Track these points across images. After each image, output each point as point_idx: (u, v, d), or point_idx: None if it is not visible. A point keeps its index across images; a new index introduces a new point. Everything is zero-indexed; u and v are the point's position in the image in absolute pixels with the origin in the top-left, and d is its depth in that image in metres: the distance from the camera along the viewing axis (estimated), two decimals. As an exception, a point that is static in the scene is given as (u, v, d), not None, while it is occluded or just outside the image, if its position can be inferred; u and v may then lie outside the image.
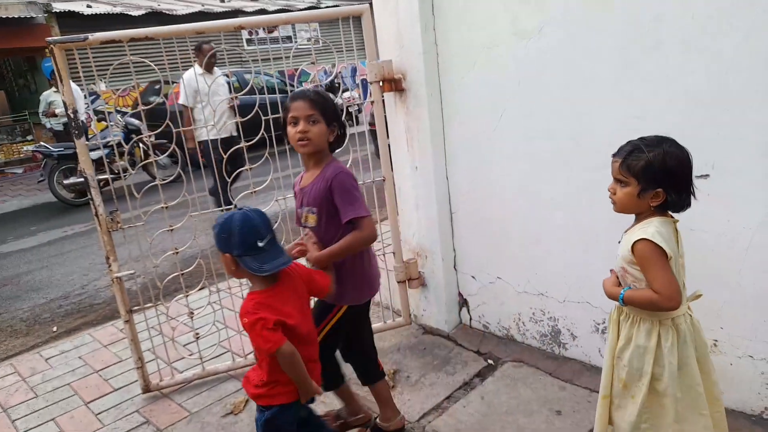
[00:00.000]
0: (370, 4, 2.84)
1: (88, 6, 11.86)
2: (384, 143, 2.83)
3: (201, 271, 2.81)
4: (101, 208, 2.56)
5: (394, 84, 2.81)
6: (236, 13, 13.24)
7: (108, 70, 2.55)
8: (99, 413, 2.72)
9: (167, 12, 12.29)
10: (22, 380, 3.12)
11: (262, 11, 13.66)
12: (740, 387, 2.18)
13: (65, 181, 7.98)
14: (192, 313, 2.79)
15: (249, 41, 13.23)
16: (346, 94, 11.90)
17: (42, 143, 8.46)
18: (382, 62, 2.77)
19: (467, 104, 2.74)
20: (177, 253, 2.71)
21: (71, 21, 11.19)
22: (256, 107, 2.59)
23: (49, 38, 2.39)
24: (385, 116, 2.89)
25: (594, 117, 2.30)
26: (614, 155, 1.61)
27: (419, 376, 2.72)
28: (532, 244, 2.67)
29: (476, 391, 2.58)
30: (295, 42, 13.65)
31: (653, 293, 1.54)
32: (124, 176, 2.77)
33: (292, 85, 11.40)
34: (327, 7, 14.01)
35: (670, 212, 1.62)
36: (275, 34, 13.19)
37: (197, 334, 2.82)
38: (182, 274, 2.73)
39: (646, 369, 1.63)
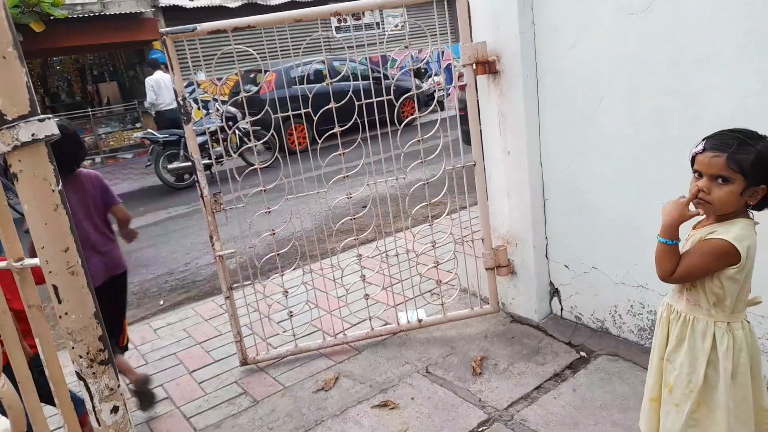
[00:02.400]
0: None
1: (191, 0, 12.54)
2: (476, 127, 2.79)
3: (295, 252, 2.91)
4: (206, 190, 2.72)
5: (488, 66, 2.75)
6: (326, 0, 13.49)
7: (206, 61, 2.67)
8: (201, 382, 2.91)
9: (261, 3, 12.74)
10: (135, 348, 3.40)
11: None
12: None
13: (169, 166, 8.55)
14: (287, 291, 2.91)
15: (338, 29, 13.45)
16: (433, 79, 11.85)
17: (149, 130, 9.09)
18: (476, 44, 2.71)
19: (565, 86, 2.63)
20: (274, 234, 2.83)
21: (176, 14, 11.90)
22: (350, 93, 2.63)
23: (162, 29, 2.55)
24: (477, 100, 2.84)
25: (707, 99, 2.13)
26: (708, 149, 1.43)
27: (507, 365, 2.69)
28: (632, 233, 2.54)
29: (568, 383, 2.51)
30: (382, 28, 13.70)
31: (674, 269, 1.48)
32: (225, 161, 2.93)
33: (379, 71, 11.51)
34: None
35: (750, 212, 1.49)
36: (362, 21, 13.31)
37: (291, 312, 2.94)
38: (278, 254, 2.85)
39: (699, 374, 1.51)
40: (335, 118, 2.72)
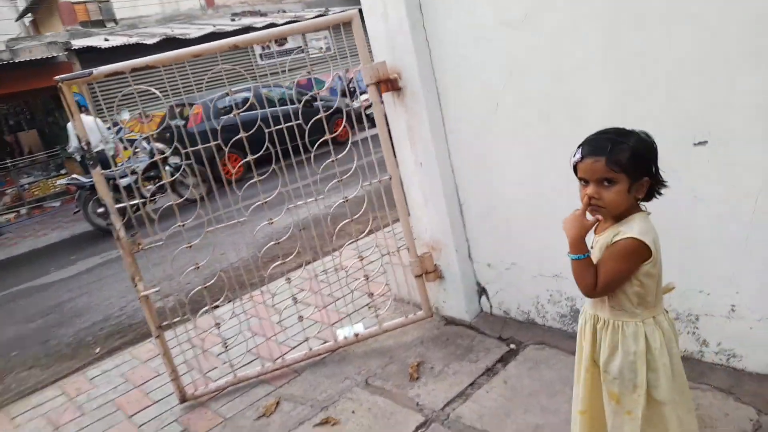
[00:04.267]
0: (360, 9, 2.90)
1: (105, 39, 12.28)
2: (386, 142, 2.89)
3: (225, 285, 2.92)
4: (122, 232, 2.70)
5: (390, 84, 2.87)
6: (247, 29, 13.48)
7: (130, 99, 2.67)
8: (141, 425, 2.85)
9: (180, 37, 12.62)
10: (70, 400, 3.29)
11: (272, 25, 13.88)
12: (765, 349, 2.16)
13: (99, 210, 8.30)
14: (218, 324, 2.91)
15: (261, 56, 13.46)
16: (363, 97, 12.02)
17: (74, 176, 8.81)
18: (376, 64, 2.83)
19: (464, 97, 2.78)
20: (198, 267, 2.83)
21: (91, 56, 11.61)
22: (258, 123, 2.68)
23: (57, 76, 2.53)
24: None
25: (587, 99, 2.32)
26: (586, 156, 1.46)
27: (443, 366, 2.78)
28: (541, 228, 2.69)
29: (499, 376, 2.62)
30: (307, 52, 13.83)
31: (594, 281, 1.48)
32: (152, 200, 2.93)
33: (305, 94, 11.59)
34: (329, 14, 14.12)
35: (641, 205, 1.53)
36: (286, 46, 13.39)
37: (226, 343, 2.94)
38: (205, 287, 2.85)
39: (641, 377, 1.50)
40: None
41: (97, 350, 4.18)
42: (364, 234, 3.17)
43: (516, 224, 2.80)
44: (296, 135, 2.89)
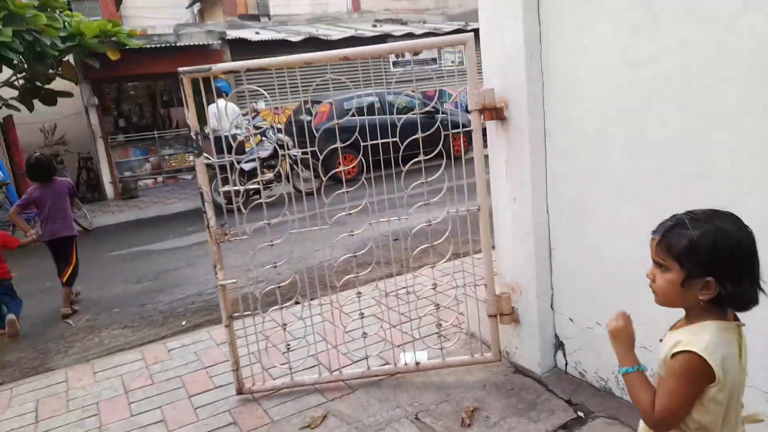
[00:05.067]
0: (477, 32, 2.80)
1: (257, 33, 13.17)
2: (481, 172, 2.76)
3: (311, 286, 2.94)
4: (212, 221, 2.82)
5: (495, 112, 2.73)
6: (386, 37, 13.81)
7: (268, 90, 2.79)
8: (197, 407, 2.97)
9: (323, 37, 13.19)
10: (146, 367, 3.52)
11: (410, 35, 14.08)
12: None
13: (220, 189, 8.89)
14: (285, 325, 2.95)
15: (395, 63, 13.71)
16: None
17: (205, 155, 9.51)
18: (483, 91, 2.71)
19: (573, 136, 2.57)
20: (275, 266, 2.88)
21: (241, 47, 12.51)
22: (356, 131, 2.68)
23: (181, 68, 2.70)
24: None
25: (713, 156, 2.03)
26: (654, 232, 1.29)
27: (499, 419, 2.58)
28: (637, 292, 2.40)
29: (558, 444, 2.39)
30: (439, 64, 13.87)
31: (652, 405, 1.25)
32: (268, 187, 3.06)
33: (429, 104, 11.62)
34: (470, 30, 14.04)
35: (732, 311, 1.27)
36: (420, 56, 13.52)
37: (288, 345, 2.97)
38: (279, 287, 2.90)
39: None
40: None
41: (184, 323, 4.45)
42: (442, 261, 3.04)
43: (608, 282, 2.53)
44: (409, 145, 2.83)
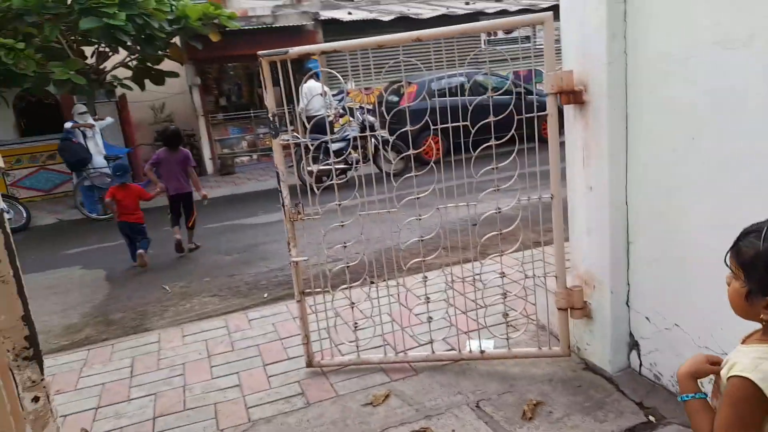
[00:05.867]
0: (556, 10, 2.66)
1: (349, 13, 13.33)
2: (555, 159, 2.64)
3: (364, 267, 3.00)
4: (287, 200, 2.94)
5: (573, 96, 2.60)
6: (477, 15, 13.46)
7: (356, 71, 2.87)
8: (270, 376, 3.13)
9: (413, 16, 13.10)
10: (228, 334, 3.75)
11: (504, 12, 13.63)
12: None
13: (308, 168, 9.19)
14: (353, 304, 3.02)
15: (487, 42, 13.35)
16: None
17: (295, 134, 9.86)
18: (561, 72, 2.58)
19: (658, 121, 2.39)
20: (345, 246, 2.96)
21: (333, 27, 12.73)
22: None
23: (260, 52, 2.80)
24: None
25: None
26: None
27: (563, 415, 2.51)
28: (722, 293, 2.22)
29: (623, 447, 2.28)
30: (534, 42, 13.32)
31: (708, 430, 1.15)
32: (359, 167, 3.16)
33: (525, 87, 11.23)
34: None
35: None
36: (513, 34, 13.08)
37: (356, 323, 3.04)
38: (348, 266, 2.97)
39: None
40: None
41: (265, 295, 4.69)
42: (511, 250, 2.97)
43: (689, 281, 2.36)
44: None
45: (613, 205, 2.60)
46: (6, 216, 0.85)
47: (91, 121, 9.31)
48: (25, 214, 8.74)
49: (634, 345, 2.73)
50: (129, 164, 11.18)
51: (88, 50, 10.07)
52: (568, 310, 2.80)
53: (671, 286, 2.47)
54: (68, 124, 8.96)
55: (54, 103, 11.68)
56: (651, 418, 2.43)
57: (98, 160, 9.08)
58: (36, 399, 0.93)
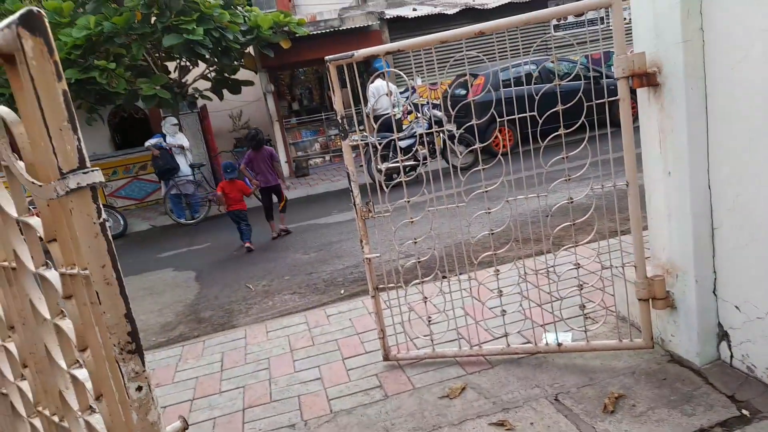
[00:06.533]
0: (626, -9, 2.57)
1: (414, 9, 13.34)
2: (630, 145, 2.56)
3: (436, 262, 3.04)
4: (358, 199, 3.02)
5: (646, 79, 2.50)
6: (546, 1, 13.07)
7: (421, 68, 2.93)
8: (349, 369, 3.24)
9: (479, 7, 12.91)
10: (308, 329, 3.91)
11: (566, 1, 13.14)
12: None
13: (378, 167, 9.33)
14: (426, 298, 3.06)
15: (557, 27, 12.93)
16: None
17: (364, 134, 10.02)
18: (632, 55, 2.49)
19: (741, 100, 2.26)
20: (416, 242, 3.00)
21: (399, 25, 12.81)
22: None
23: (327, 57, 2.90)
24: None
25: None
26: None
27: (646, 408, 2.43)
28: (820, 278, 2.08)
29: (714, 443, 2.19)
30: (607, 23, 12.74)
31: None
32: (428, 162, 3.24)
33: (597, 70, 10.78)
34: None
35: None
36: (585, 17, 12.57)
37: (430, 317, 3.09)
38: (419, 261, 3.02)
39: None
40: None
41: (342, 291, 4.83)
42: (586, 240, 2.89)
43: (783, 267, 2.22)
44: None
45: (695, 189, 2.48)
46: (108, 224, 0.96)
47: (181, 136, 10.04)
48: (122, 222, 9.50)
49: (723, 336, 2.59)
50: (212, 170, 11.84)
51: (171, 66, 10.73)
52: (650, 300, 2.70)
53: (762, 274, 2.33)
54: (149, 142, 9.58)
55: (143, 116, 12.54)
56: (744, 411, 2.31)
57: (185, 169, 9.74)
58: (139, 388, 1.03)
